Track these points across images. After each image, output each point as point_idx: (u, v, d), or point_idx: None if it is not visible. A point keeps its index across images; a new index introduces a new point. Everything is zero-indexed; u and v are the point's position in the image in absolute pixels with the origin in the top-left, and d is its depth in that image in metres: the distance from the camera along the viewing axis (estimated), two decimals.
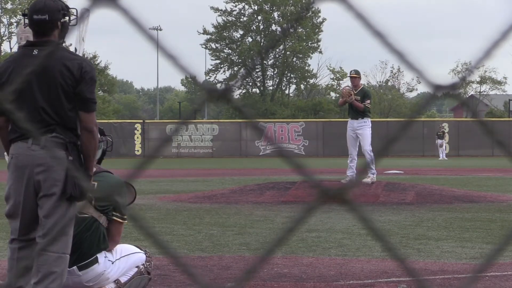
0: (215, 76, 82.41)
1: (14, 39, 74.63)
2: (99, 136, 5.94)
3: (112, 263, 6.01)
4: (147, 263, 6.28)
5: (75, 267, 5.85)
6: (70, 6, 5.53)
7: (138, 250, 6.31)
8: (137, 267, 6.19)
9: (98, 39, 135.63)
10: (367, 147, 16.20)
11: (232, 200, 16.07)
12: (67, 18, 5.43)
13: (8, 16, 73.51)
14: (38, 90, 5.34)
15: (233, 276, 7.86)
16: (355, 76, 16.66)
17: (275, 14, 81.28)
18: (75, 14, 5.52)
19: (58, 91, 5.32)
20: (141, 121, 59.72)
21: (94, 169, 5.86)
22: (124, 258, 6.11)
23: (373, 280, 7.66)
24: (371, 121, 16.81)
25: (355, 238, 10.72)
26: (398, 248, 9.67)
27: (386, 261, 8.63)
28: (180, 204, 15.96)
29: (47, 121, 5.31)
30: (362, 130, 16.33)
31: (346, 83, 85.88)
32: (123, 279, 6.11)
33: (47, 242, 5.33)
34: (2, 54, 70.34)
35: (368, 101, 16.34)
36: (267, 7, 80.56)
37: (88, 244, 5.88)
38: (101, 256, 5.95)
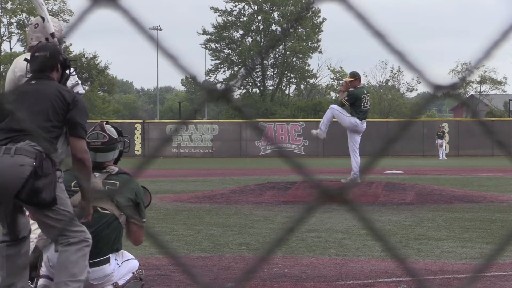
0: (215, 76, 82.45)
1: (15, 39, 74.64)
2: (117, 139, 6.15)
3: (119, 266, 6.05)
4: (139, 270, 6.34)
5: None
6: (71, 60, 5.86)
7: (133, 257, 6.37)
8: (132, 273, 6.23)
9: (99, 39, 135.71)
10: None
11: (232, 200, 16.06)
12: (67, 71, 5.77)
13: (8, 16, 73.50)
14: (26, 101, 5.56)
15: (233, 276, 7.86)
16: (351, 80, 16.88)
17: (275, 14, 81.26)
18: (74, 67, 5.95)
19: (47, 107, 5.52)
20: (141, 121, 59.69)
21: (116, 169, 6.04)
22: (125, 262, 6.14)
23: (373, 280, 7.66)
24: (367, 121, 16.84)
25: (355, 238, 10.72)
26: (398, 248, 9.67)
27: (386, 261, 8.63)
28: (180, 204, 15.95)
29: (23, 130, 5.44)
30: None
31: None
32: (120, 282, 6.15)
33: (45, 241, 5.40)
34: (2, 54, 70.35)
35: (346, 98, 16.37)
36: (267, 7, 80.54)
37: (104, 242, 5.90)
38: (112, 257, 5.98)
